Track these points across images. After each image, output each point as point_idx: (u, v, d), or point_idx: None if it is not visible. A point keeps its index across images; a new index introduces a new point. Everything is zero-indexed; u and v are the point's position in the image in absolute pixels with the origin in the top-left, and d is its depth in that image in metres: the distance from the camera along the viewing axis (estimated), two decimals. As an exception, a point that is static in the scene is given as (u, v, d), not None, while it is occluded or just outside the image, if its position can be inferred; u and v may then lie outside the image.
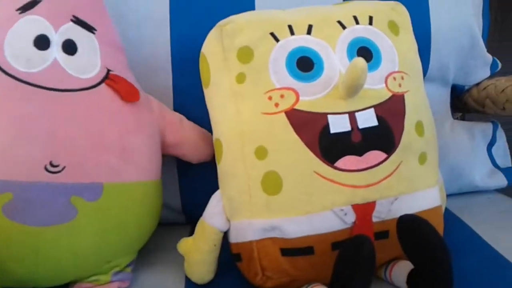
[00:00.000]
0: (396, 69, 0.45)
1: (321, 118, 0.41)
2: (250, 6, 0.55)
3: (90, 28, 0.44)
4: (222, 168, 0.45)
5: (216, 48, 0.45)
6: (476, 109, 0.63)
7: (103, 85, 0.43)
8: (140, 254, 0.48)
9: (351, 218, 0.41)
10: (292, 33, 0.44)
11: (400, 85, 0.45)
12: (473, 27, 0.60)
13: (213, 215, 0.44)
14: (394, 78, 0.45)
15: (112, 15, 0.49)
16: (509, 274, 0.45)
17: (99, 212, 0.40)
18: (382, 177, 0.42)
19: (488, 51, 0.64)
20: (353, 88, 0.40)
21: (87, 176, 0.40)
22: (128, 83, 0.45)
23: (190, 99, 0.54)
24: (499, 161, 0.66)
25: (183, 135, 0.51)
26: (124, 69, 0.47)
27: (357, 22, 0.46)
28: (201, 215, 0.45)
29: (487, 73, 0.64)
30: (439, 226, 0.46)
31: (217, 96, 0.45)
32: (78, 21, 0.44)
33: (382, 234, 0.43)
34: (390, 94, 0.44)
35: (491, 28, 0.93)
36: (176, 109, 0.55)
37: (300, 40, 0.44)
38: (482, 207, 0.57)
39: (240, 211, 0.43)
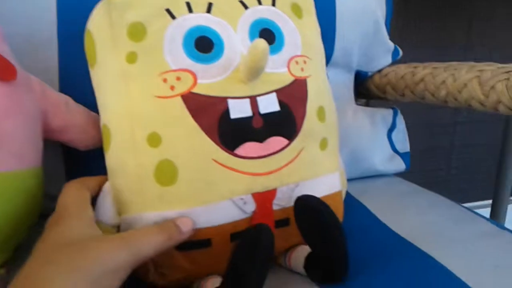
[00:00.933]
0: (299, 53, 0.44)
1: (221, 103, 0.39)
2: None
3: None
4: (110, 157, 0.41)
5: (103, 24, 0.40)
6: (378, 95, 0.65)
7: None
8: (18, 252, 0.43)
9: (251, 207, 0.40)
10: (190, 10, 0.41)
11: (302, 70, 0.44)
12: (377, 13, 0.62)
13: (102, 213, 0.40)
14: (297, 62, 0.44)
15: None
16: (403, 250, 0.46)
17: None
18: (283, 163, 0.41)
19: (390, 39, 0.66)
20: (254, 71, 0.39)
21: None
22: (3, 60, 0.40)
23: (78, 80, 0.49)
24: (398, 146, 0.69)
25: (69, 118, 0.46)
26: None
27: (259, 3, 0.44)
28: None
29: (389, 60, 0.67)
30: (338, 210, 0.47)
31: (104, 77, 0.41)
32: None
33: (283, 222, 0.42)
34: (292, 79, 0.43)
35: (393, 17, 0.98)
36: (62, 90, 0.50)
37: (199, 18, 0.41)
38: (381, 191, 0.60)
39: (130, 205, 0.40)
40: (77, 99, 0.49)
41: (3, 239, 0.41)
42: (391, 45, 0.66)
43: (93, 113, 0.49)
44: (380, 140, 0.67)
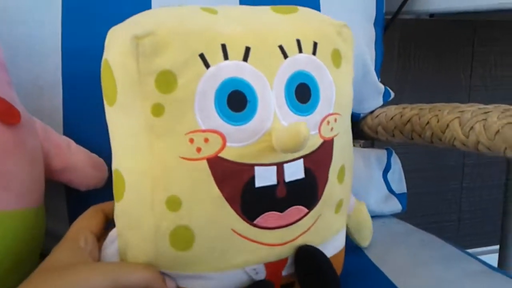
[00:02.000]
0: (331, 111, 0.41)
1: (248, 170, 0.37)
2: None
3: None
4: (123, 208, 0.38)
5: (129, 66, 0.35)
6: (371, 136, 0.67)
7: None
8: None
9: (261, 276, 0.40)
10: (225, 56, 0.36)
11: (332, 129, 0.41)
12: (365, 56, 0.65)
13: (106, 259, 0.39)
14: (328, 122, 0.41)
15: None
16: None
17: None
18: (299, 233, 0.40)
19: (390, 83, 0.70)
20: (289, 151, 0.36)
21: None
22: (7, 104, 0.43)
23: (81, 122, 0.53)
24: (394, 187, 0.70)
25: (70, 160, 0.49)
26: (5, 88, 0.44)
27: (300, 50, 0.39)
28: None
29: (380, 102, 0.69)
30: (340, 262, 0.48)
31: (125, 121, 0.37)
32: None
33: (288, 285, 0.43)
34: (321, 141, 0.40)
35: (394, 62, 1.02)
36: (66, 132, 0.53)
37: (235, 68, 0.36)
38: (375, 232, 0.61)
39: (138, 258, 0.38)
40: (79, 142, 0.51)
41: (3, 276, 0.41)
42: (381, 87, 0.68)
43: (94, 155, 0.52)
44: (375, 180, 0.68)
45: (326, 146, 0.41)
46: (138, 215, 0.37)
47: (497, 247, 1.03)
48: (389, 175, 0.70)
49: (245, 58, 0.37)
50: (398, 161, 0.72)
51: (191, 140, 0.35)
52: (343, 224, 0.47)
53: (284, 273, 0.41)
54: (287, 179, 0.38)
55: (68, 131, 0.53)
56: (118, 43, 0.35)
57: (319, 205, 0.41)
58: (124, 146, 0.38)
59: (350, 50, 0.44)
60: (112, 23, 0.48)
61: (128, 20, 0.38)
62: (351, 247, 0.57)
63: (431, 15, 1.00)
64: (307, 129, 0.34)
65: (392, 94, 0.71)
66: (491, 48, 1.12)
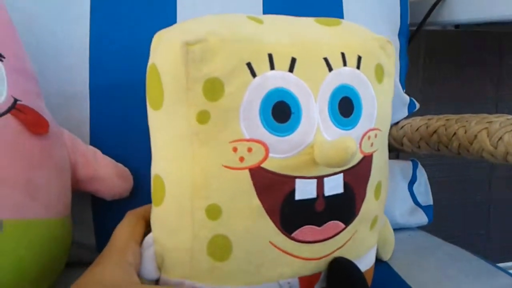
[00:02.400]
0: (373, 126, 0.41)
1: (289, 182, 0.36)
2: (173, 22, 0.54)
3: None
4: (161, 213, 0.38)
5: (178, 71, 0.34)
6: (396, 147, 0.66)
7: (8, 115, 0.41)
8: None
9: None
10: (272, 66, 0.36)
11: (372, 145, 0.41)
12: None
13: (142, 264, 0.38)
14: (369, 137, 0.40)
15: (28, 42, 0.47)
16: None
17: None
18: (335, 248, 0.40)
19: (415, 94, 0.69)
20: (332, 166, 0.36)
21: None
22: (37, 114, 0.44)
23: (107, 133, 0.53)
24: (420, 199, 0.69)
25: (96, 170, 0.50)
26: (35, 99, 0.46)
27: (344, 63, 0.39)
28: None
29: (405, 113, 0.68)
30: (370, 277, 0.47)
31: (169, 126, 0.37)
32: (-16, 48, 0.43)
33: None
34: (361, 157, 0.40)
35: (419, 73, 1.01)
36: (92, 142, 0.53)
37: (280, 78, 0.36)
38: (401, 244, 0.60)
39: (175, 269, 0.38)
40: (106, 152, 0.52)
41: (30, 284, 0.42)
42: (406, 98, 0.67)
43: (119, 165, 0.52)
44: (400, 193, 0.67)
45: (366, 162, 0.40)
46: (177, 221, 0.37)
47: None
48: (414, 187, 0.69)
49: (291, 69, 0.36)
50: (424, 172, 0.71)
51: (235, 149, 0.35)
52: (376, 240, 0.46)
53: (317, 287, 0.41)
54: (326, 193, 0.38)
55: (95, 141, 0.54)
56: (168, 48, 0.35)
57: (356, 221, 0.40)
58: (166, 151, 0.37)
59: (392, 65, 0.44)
60: (139, 35, 0.49)
61: (176, 25, 0.38)
62: (377, 259, 0.56)
63: (457, 26, 0.99)
64: (355, 145, 0.33)
65: (417, 105, 0.70)
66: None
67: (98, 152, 0.52)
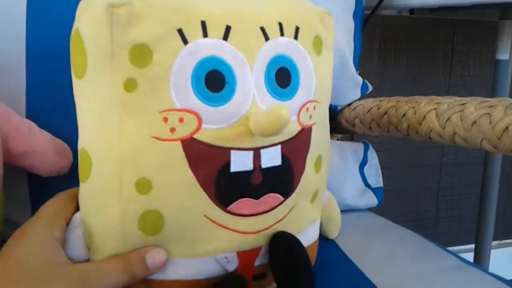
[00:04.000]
0: (311, 98, 0.40)
1: (224, 154, 0.35)
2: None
3: None
4: (87, 190, 0.36)
5: (102, 36, 0.32)
6: (348, 129, 0.66)
7: None
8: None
9: (233, 265, 0.38)
10: (205, 34, 0.34)
11: (310, 117, 0.40)
12: (343, 48, 0.64)
13: (69, 244, 0.36)
14: (307, 109, 0.40)
15: None
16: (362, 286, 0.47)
17: None
18: (273, 222, 0.39)
19: (371, 78, 0.69)
20: (267, 134, 0.35)
21: None
22: None
23: (45, 106, 0.51)
24: (370, 181, 0.70)
25: (31, 144, 0.47)
26: None
27: (282, 33, 0.38)
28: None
29: (358, 94, 0.68)
30: (314, 254, 0.47)
31: (93, 97, 0.34)
32: None
33: (260, 276, 0.41)
34: (299, 128, 0.39)
35: (374, 57, 1.02)
36: (29, 115, 0.50)
37: (214, 46, 0.34)
38: (350, 225, 0.60)
39: (106, 245, 0.36)
40: (43, 127, 0.49)
41: None
42: (359, 79, 0.67)
43: (57, 140, 0.49)
44: (351, 174, 0.67)
45: (304, 134, 0.40)
46: (104, 197, 0.35)
47: (473, 246, 1.03)
48: (365, 169, 0.70)
49: (225, 37, 0.35)
50: (375, 155, 0.71)
51: (165, 119, 0.33)
52: (318, 214, 0.46)
53: (256, 263, 0.40)
54: (263, 165, 0.37)
55: (31, 115, 0.50)
56: (92, 12, 0.33)
57: (294, 194, 0.40)
58: (92, 123, 0.35)
59: (331, 38, 0.43)
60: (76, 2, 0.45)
61: None
62: (324, 238, 0.56)
63: (411, 11, 0.99)
64: (288, 113, 0.32)
65: (370, 87, 0.70)
66: (470, 48, 1.12)
67: (34, 125, 0.49)
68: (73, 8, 0.48)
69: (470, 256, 0.87)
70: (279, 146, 0.37)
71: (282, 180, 0.39)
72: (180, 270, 0.37)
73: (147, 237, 0.35)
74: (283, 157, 0.38)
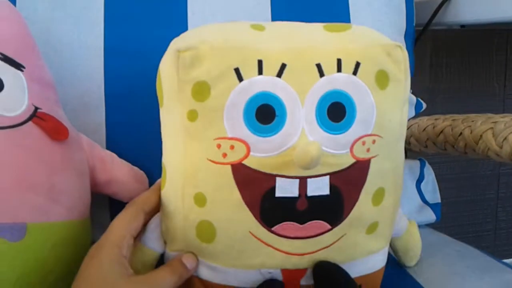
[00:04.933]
0: (369, 132, 0.40)
1: (269, 179, 0.38)
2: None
3: (18, 66, 0.43)
4: (164, 196, 0.43)
5: (171, 74, 0.39)
6: (404, 147, 0.67)
7: (30, 123, 0.42)
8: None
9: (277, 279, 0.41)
10: (260, 71, 0.37)
11: (368, 150, 0.40)
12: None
13: (152, 239, 0.44)
14: (363, 143, 0.39)
15: (46, 52, 0.49)
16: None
17: (23, 253, 0.40)
18: (320, 247, 0.40)
19: (423, 93, 0.69)
20: (303, 168, 0.36)
21: (9, 216, 0.39)
22: (57, 121, 0.45)
23: (123, 136, 0.54)
24: (428, 197, 0.68)
25: (114, 173, 0.50)
26: (54, 107, 0.46)
27: (339, 69, 0.39)
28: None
29: (412, 113, 0.67)
30: (376, 286, 0.47)
31: (169, 122, 0.41)
32: (5, 59, 0.42)
33: None
34: (353, 161, 0.39)
35: (426, 72, 1.02)
36: (108, 146, 0.54)
37: (267, 82, 0.37)
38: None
39: (176, 243, 0.42)
40: (122, 156, 0.53)
41: (53, 284, 0.45)
42: (413, 98, 0.66)
43: (135, 168, 0.53)
44: (408, 191, 0.66)
45: (360, 166, 0.40)
46: (173, 204, 0.41)
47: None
48: (422, 186, 0.68)
49: (279, 74, 0.38)
50: (432, 171, 0.71)
51: (219, 146, 0.38)
52: (380, 246, 0.45)
53: (303, 282, 0.42)
54: (309, 194, 0.38)
55: (111, 145, 0.55)
56: (167, 55, 0.40)
57: (344, 223, 0.40)
58: (167, 143, 0.42)
59: (400, 71, 0.41)
60: (151, 41, 0.53)
61: (182, 34, 0.42)
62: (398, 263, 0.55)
63: (463, 25, 0.99)
64: (318, 149, 0.34)
65: (424, 105, 0.70)
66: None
67: (115, 156, 0.53)
68: (148, 41, 0.54)
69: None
70: (328, 176, 0.38)
71: (329, 209, 0.39)
72: (229, 278, 0.41)
73: (202, 243, 0.40)
74: (333, 187, 0.38)
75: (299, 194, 0.38)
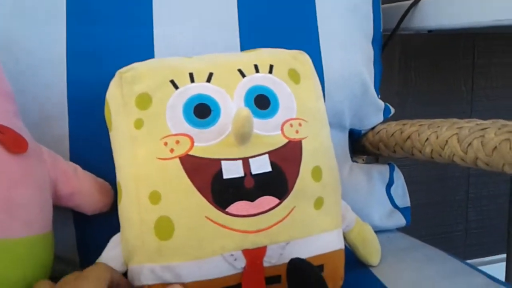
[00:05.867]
0: (294, 116, 0.48)
1: (215, 164, 0.43)
2: (149, 50, 0.56)
3: None
4: (120, 211, 0.46)
5: (116, 94, 0.46)
6: (373, 152, 0.68)
7: None
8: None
9: (241, 263, 0.43)
10: (192, 80, 0.46)
11: (297, 132, 0.47)
12: (364, 75, 0.65)
13: (110, 259, 0.45)
14: (291, 125, 0.47)
15: (6, 61, 0.50)
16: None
17: None
18: (273, 222, 0.44)
19: (392, 97, 0.69)
20: (239, 136, 0.42)
21: None
22: (15, 134, 0.44)
23: (87, 147, 0.55)
24: (398, 201, 0.70)
25: (77, 185, 0.50)
26: (13, 119, 0.46)
27: (257, 71, 0.48)
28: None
29: (380, 118, 0.69)
30: (338, 269, 0.49)
31: (118, 140, 0.47)
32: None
33: (274, 279, 0.44)
34: (286, 141, 0.46)
35: (395, 76, 1.03)
36: (72, 158, 0.54)
37: (199, 87, 0.46)
38: (380, 246, 0.61)
39: (135, 255, 0.44)
40: (86, 168, 0.53)
41: None
42: (381, 104, 0.69)
43: (100, 180, 0.53)
44: (378, 196, 0.68)
45: (293, 146, 0.46)
46: (129, 213, 0.44)
47: (504, 255, 1.02)
48: (392, 190, 0.70)
49: (209, 80, 0.46)
50: (401, 175, 0.72)
51: (165, 143, 0.44)
52: (332, 225, 0.48)
53: (265, 264, 0.44)
54: (253, 172, 0.43)
55: (74, 157, 0.55)
56: (112, 82, 0.48)
57: (291, 196, 0.44)
58: (118, 159, 0.47)
59: (308, 70, 0.52)
60: (115, 50, 0.55)
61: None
62: (355, 262, 0.57)
63: (430, 30, 1.00)
64: (247, 110, 0.40)
65: (393, 110, 0.71)
66: (491, 60, 1.11)
67: (79, 168, 0.52)
68: (112, 51, 0.56)
69: (501, 266, 0.86)
70: (267, 155, 0.45)
71: (274, 183, 0.44)
72: (194, 272, 0.42)
73: (161, 241, 0.42)
74: (273, 164, 0.44)
75: (245, 173, 0.43)
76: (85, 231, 0.57)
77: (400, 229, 0.71)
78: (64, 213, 0.54)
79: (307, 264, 0.42)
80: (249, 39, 0.60)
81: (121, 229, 0.46)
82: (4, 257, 0.41)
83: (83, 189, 0.51)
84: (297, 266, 0.41)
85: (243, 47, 0.60)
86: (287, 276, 0.42)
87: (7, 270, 0.41)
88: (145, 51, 0.57)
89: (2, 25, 0.54)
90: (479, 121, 0.50)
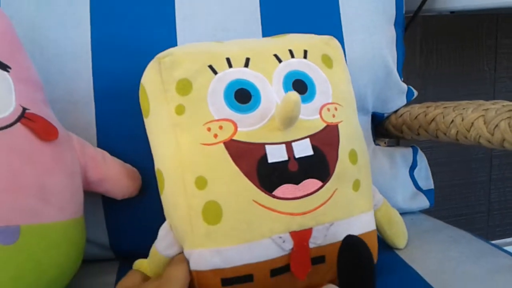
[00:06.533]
0: (330, 101, 0.49)
1: (259, 148, 0.44)
2: (172, 37, 0.57)
3: (4, 67, 0.45)
4: (165, 198, 0.46)
5: (155, 80, 0.46)
6: (396, 135, 0.67)
7: (18, 124, 0.43)
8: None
9: (289, 245, 0.44)
10: (230, 65, 0.46)
11: (334, 116, 0.48)
12: (387, 58, 0.65)
13: (167, 247, 0.46)
14: (328, 109, 0.48)
15: (32, 50, 0.50)
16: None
17: (17, 256, 0.40)
18: (318, 204, 0.45)
19: (414, 78, 0.68)
20: (287, 120, 0.43)
21: (2, 219, 0.39)
22: (46, 122, 0.45)
23: (114, 134, 0.56)
24: (421, 184, 0.71)
25: (105, 171, 0.52)
26: (42, 107, 0.48)
27: (292, 56, 0.49)
28: (129, 250, 0.45)
29: (403, 101, 0.70)
30: (374, 249, 0.50)
31: (157, 126, 0.47)
32: (-10, 60, 0.44)
33: (319, 259, 0.46)
34: (324, 125, 0.47)
35: (416, 58, 1.01)
36: (100, 144, 0.56)
37: (238, 72, 0.46)
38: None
39: (184, 241, 0.45)
40: (113, 153, 0.54)
41: (47, 285, 0.44)
42: (404, 87, 0.69)
43: (127, 165, 0.55)
44: (402, 178, 0.69)
45: (331, 129, 0.48)
46: (175, 199, 0.44)
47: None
48: (415, 172, 0.71)
49: (246, 65, 0.47)
50: (424, 158, 0.72)
51: (209, 129, 0.44)
52: (368, 206, 0.50)
53: (311, 245, 0.45)
54: (297, 155, 0.44)
55: (102, 143, 0.56)
56: (148, 67, 0.47)
57: (333, 179, 0.46)
58: (159, 147, 0.47)
59: (339, 55, 0.53)
60: (139, 37, 0.56)
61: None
62: (381, 245, 0.57)
63: (452, 11, 0.98)
64: (296, 94, 0.41)
65: (416, 93, 0.71)
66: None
67: (106, 154, 0.53)
68: (136, 37, 0.57)
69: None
70: (308, 139, 0.45)
71: (317, 166, 0.45)
72: (244, 255, 0.43)
73: (210, 226, 0.43)
74: (315, 148, 0.46)
75: (288, 157, 0.44)
76: (114, 215, 0.57)
77: (423, 211, 0.70)
78: (94, 199, 0.56)
79: (361, 242, 0.42)
80: (271, 23, 0.61)
81: (166, 217, 0.46)
82: (39, 242, 0.42)
83: (111, 175, 0.52)
84: (353, 243, 0.42)
85: (265, 31, 0.61)
86: (339, 251, 0.42)
87: (42, 254, 0.43)
88: (168, 37, 0.57)
89: (26, 15, 0.55)
90: (506, 103, 0.49)
